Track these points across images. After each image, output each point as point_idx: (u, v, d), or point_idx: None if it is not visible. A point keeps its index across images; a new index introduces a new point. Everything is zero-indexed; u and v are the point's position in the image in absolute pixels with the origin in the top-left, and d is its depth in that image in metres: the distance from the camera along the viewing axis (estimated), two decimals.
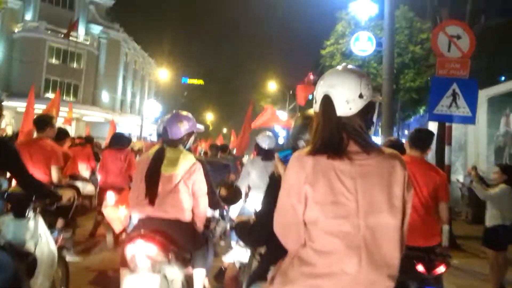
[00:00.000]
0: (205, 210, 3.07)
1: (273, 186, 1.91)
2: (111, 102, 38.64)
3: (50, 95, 32.51)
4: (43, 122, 4.92)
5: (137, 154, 9.02)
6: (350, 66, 1.60)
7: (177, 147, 3.01)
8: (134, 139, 19.92)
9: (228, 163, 7.54)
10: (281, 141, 33.06)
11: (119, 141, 6.84)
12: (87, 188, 8.30)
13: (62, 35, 32.84)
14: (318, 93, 1.56)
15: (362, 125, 1.49)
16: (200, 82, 65.79)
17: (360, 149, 1.46)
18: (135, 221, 3.06)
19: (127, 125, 38.46)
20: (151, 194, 2.83)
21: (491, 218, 5.33)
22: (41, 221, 3.04)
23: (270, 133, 5.26)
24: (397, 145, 4.10)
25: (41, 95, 29.86)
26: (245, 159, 12.39)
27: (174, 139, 3.01)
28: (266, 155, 4.97)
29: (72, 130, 25.21)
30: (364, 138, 1.47)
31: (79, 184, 7.70)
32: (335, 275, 1.38)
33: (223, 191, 3.18)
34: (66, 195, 3.17)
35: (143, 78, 47.34)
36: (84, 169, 8.48)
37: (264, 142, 5.03)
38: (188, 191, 2.89)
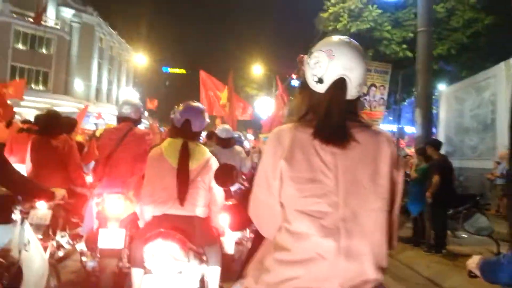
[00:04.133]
0: (222, 205, 3.08)
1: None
2: (85, 90, 36.18)
3: None
4: None
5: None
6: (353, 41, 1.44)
7: (195, 140, 3.01)
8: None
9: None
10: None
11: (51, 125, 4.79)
12: None
13: (30, 19, 30.20)
14: (330, 73, 1.38)
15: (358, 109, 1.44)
16: (182, 71, 63.41)
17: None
18: (146, 217, 2.93)
19: (104, 114, 36.29)
20: (183, 192, 2.77)
21: None
22: (27, 226, 2.71)
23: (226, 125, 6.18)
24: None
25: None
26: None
27: (197, 132, 3.03)
28: (223, 143, 5.71)
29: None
30: (363, 123, 1.41)
31: None
32: (311, 261, 1.26)
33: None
34: (59, 192, 2.97)
35: (120, 65, 44.75)
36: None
37: (222, 133, 5.73)
38: (205, 186, 2.88)
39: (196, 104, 3.10)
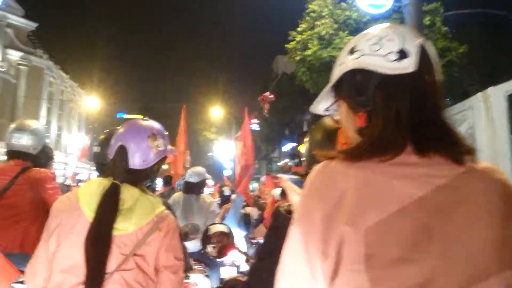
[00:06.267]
0: None
1: (278, 228, 1.28)
2: None
3: None
4: None
5: None
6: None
7: (138, 184, 1.68)
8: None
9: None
10: (228, 173, 30.43)
11: None
12: None
13: None
14: (410, 41, 0.89)
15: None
16: (140, 117, 61.72)
17: (442, 159, 0.83)
18: None
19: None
20: (97, 274, 1.48)
21: None
22: None
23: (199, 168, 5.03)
24: None
25: None
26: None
27: (139, 171, 1.70)
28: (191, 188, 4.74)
29: None
30: (454, 140, 0.87)
31: None
32: None
33: None
34: None
35: (71, 110, 42.86)
36: None
37: (192, 177, 4.79)
38: (147, 267, 1.58)
39: (144, 122, 1.81)
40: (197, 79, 73.20)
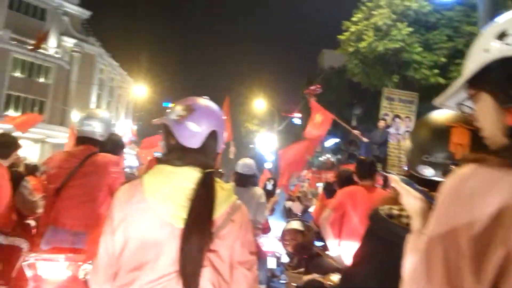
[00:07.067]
0: None
1: (377, 233, 1.17)
2: None
3: (11, 112, 29.20)
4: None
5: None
6: None
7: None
8: None
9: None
10: (269, 166, 30.37)
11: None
12: None
13: (30, 47, 29.52)
14: None
15: None
16: None
17: None
18: None
19: None
20: (193, 277, 1.34)
21: None
22: None
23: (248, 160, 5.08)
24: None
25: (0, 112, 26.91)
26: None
27: (217, 154, 1.60)
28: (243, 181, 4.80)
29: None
30: None
31: None
32: None
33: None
34: None
35: (120, 97, 44.19)
36: None
37: (244, 169, 4.85)
38: (222, 262, 1.42)
39: (212, 103, 1.65)
40: (241, 70, 73.67)
